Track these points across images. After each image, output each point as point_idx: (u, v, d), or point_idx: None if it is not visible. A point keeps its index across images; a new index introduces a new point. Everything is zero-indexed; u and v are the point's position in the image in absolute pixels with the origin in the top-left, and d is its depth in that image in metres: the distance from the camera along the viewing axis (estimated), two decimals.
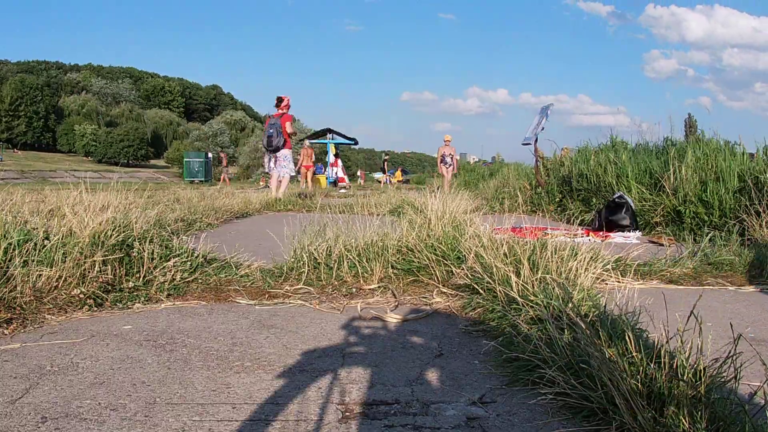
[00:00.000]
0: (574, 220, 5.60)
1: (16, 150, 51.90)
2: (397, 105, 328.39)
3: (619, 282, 2.70)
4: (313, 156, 16.81)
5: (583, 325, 1.47)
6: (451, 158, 13.24)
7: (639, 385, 1.21)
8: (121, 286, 2.40)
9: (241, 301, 2.41)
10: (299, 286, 2.60)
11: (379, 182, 25.68)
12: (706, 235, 3.56)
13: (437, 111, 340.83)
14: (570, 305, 1.67)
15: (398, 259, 2.80)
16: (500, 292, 2.09)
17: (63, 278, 2.24)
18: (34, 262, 2.22)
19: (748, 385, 1.35)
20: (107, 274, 2.37)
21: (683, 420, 1.08)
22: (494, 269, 2.23)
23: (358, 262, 2.72)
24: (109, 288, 2.35)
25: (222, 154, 29.16)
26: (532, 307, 1.84)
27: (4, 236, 2.27)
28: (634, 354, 1.30)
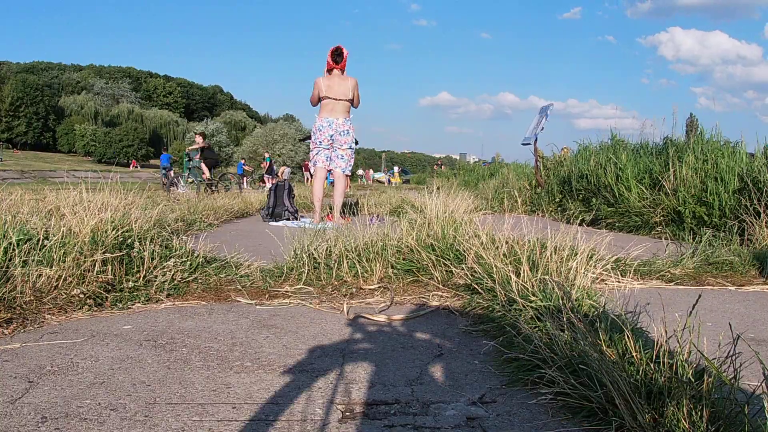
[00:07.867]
0: (573, 220, 5.60)
1: (15, 150, 51.84)
2: (415, 110, 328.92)
3: (619, 282, 2.70)
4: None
5: (582, 325, 1.47)
6: None
7: (639, 385, 1.21)
8: (121, 286, 2.40)
9: (241, 301, 2.41)
10: (299, 286, 2.60)
11: (381, 182, 25.62)
12: (706, 235, 3.56)
13: (450, 114, 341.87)
14: (569, 305, 1.67)
15: (398, 259, 2.80)
16: (500, 292, 2.09)
17: (63, 278, 2.24)
18: (34, 262, 2.22)
19: (748, 385, 1.35)
20: (107, 274, 2.37)
21: (683, 420, 1.08)
22: (494, 269, 2.23)
23: (358, 262, 2.72)
24: (109, 288, 2.35)
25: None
26: (531, 307, 1.84)
27: (4, 236, 2.27)
28: (634, 354, 1.30)
